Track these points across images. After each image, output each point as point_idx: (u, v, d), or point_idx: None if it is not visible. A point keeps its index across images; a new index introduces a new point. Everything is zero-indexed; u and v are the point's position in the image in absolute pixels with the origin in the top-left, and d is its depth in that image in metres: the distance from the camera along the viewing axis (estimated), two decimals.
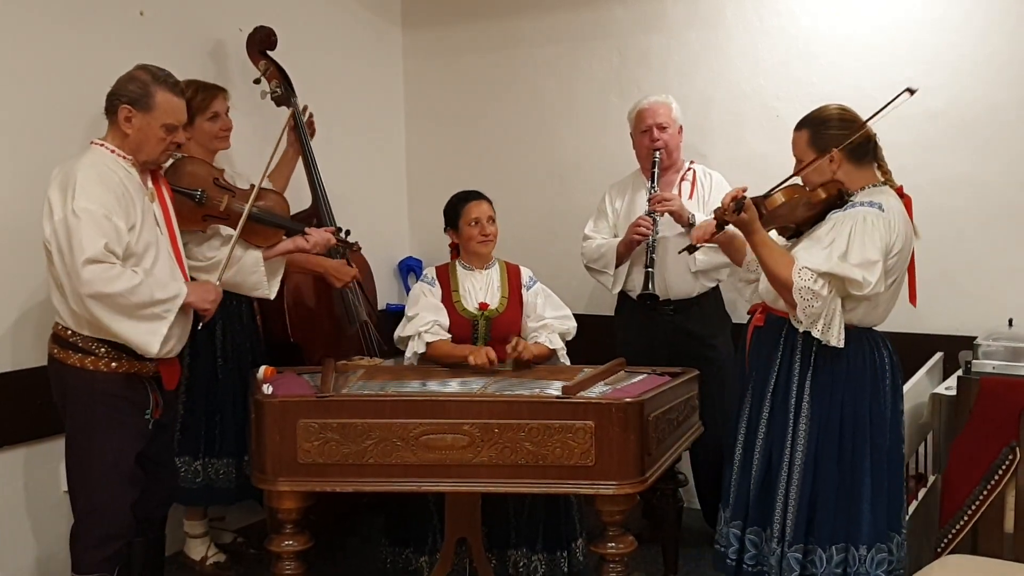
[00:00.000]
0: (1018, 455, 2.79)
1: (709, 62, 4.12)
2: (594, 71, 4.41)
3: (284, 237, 3.29)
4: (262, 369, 2.96)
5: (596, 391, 2.85)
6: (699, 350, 3.61)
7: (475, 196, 3.43)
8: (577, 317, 3.50)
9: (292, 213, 3.48)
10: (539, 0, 4.49)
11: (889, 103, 2.61)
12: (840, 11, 3.83)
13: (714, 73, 4.11)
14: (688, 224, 3.55)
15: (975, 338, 3.12)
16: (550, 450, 2.54)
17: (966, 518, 2.84)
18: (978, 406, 2.88)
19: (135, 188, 2.71)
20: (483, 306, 3.36)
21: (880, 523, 2.65)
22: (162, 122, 2.70)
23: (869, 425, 2.65)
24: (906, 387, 3.09)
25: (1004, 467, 2.80)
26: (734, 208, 2.56)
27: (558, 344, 3.36)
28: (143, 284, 2.59)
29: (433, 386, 2.95)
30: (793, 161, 2.79)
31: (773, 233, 2.75)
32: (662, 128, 3.64)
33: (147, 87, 2.68)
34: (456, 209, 3.42)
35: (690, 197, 3.67)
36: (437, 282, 3.40)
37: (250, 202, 3.03)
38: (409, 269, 4.86)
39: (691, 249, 2.93)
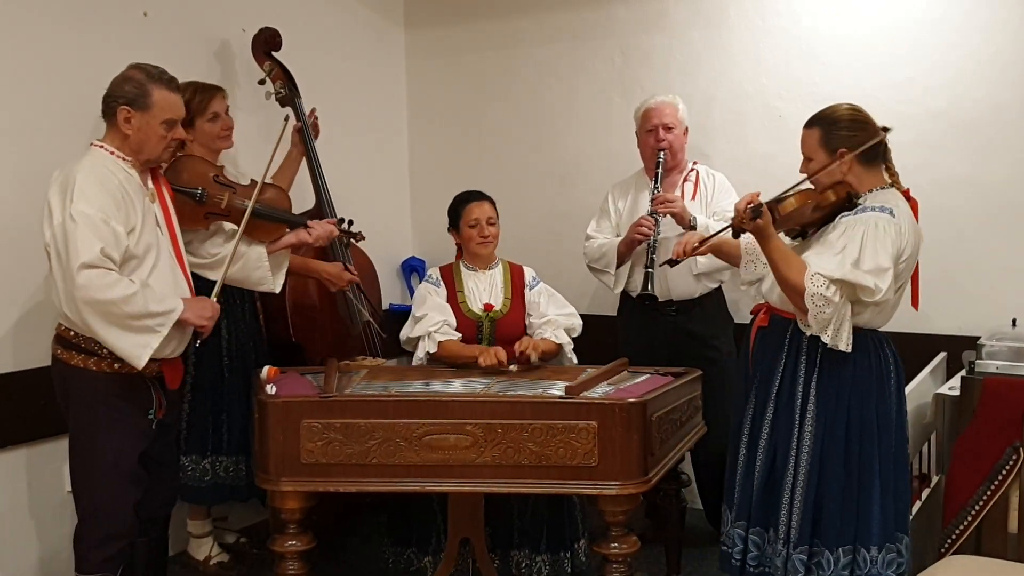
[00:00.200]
0: (1022, 455, 2.79)
1: (711, 62, 4.12)
2: (596, 70, 4.41)
3: (287, 231, 3.30)
4: (265, 369, 2.97)
5: (599, 391, 2.84)
6: (701, 351, 3.60)
7: (476, 197, 3.43)
8: (579, 317, 3.50)
9: (297, 214, 3.48)
10: (541, 0, 4.49)
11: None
12: (841, 11, 3.83)
13: (716, 73, 4.11)
14: (689, 226, 3.55)
15: (978, 338, 3.12)
16: (553, 450, 2.53)
17: (970, 518, 2.84)
18: (981, 406, 2.88)
19: (135, 190, 2.71)
20: (488, 307, 3.36)
21: (889, 524, 2.64)
22: (161, 119, 2.69)
23: (876, 427, 2.65)
24: (909, 387, 3.09)
25: (1008, 467, 2.80)
26: (751, 215, 2.53)
27: (564, 339, 3.34)
28: (138, 294, 2.56)
29: (436, 386, 2.95)
30: (797, 160, 2.78)
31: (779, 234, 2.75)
32: (668, 129, 3.63)
33: (143, 86, 2.67)
34: (457, 210, 3.43)
35: (692, 198, 3.67)
36: (442, 282, 3.41)
37: (253, 198, 3.03)
38: (412, 269, 4.86)
39: (672, 263, 2.94)
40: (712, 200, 3.64)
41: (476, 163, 4.71)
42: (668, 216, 3.55)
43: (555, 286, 3.56)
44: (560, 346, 3.33)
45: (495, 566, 3.10)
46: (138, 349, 2.58)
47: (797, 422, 2.68)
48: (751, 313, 2.95)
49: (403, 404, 2.61)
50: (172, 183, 2.95)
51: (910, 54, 3.70)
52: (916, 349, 3.43)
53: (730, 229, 2.69)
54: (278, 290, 3.29)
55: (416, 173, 4.97)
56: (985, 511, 2.82)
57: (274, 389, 2.72)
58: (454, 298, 3.37)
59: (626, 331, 3.80)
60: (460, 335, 3.29)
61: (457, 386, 2.94)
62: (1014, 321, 3.30)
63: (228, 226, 3.15)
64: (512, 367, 3.15)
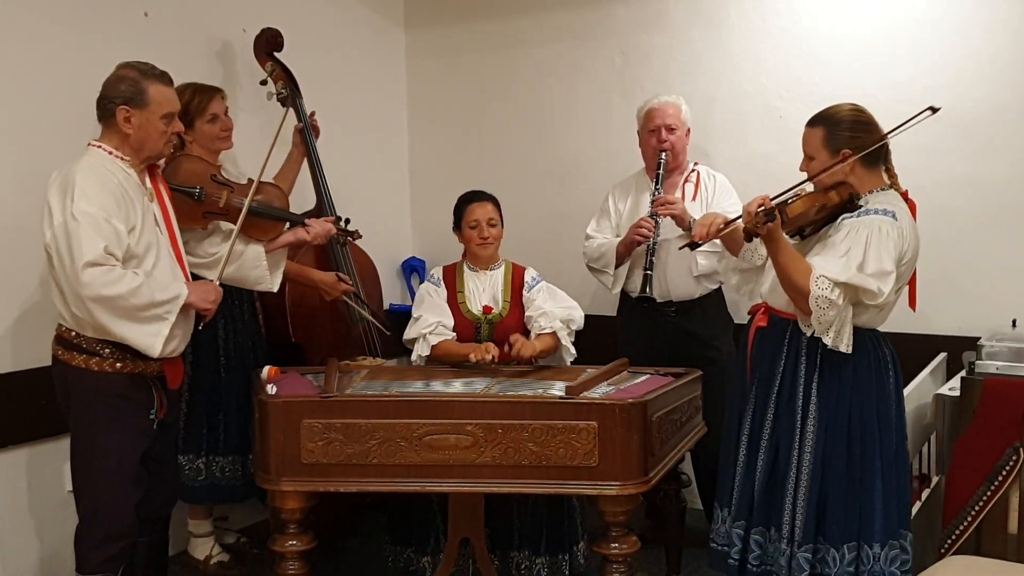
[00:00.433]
0: (1022, 455, 2.78)
1: (711, 62, 4.12)
2: (596, 71, 4.41)
3: (285, 229, 3.29)
4: (266, 369, 2.97)
5: (599, 391, 2.85)
6: (701, 351, 3.60)
7: (478, 198, 3.43)
8: (580, 310, 3.49)
9: (298, 214, 3.48)
10: (541, 0, 4.49)
11: (912, 119, 2.61)
12: (841, 11, 3.83)
13: (716, 73, 4.11)
14: (689, 228, 3.55)
15: (978, 339, 3.12)
16: (553, 450, 2.54)
17: (970, 519, 2.84)
18: (982, 407, 2.88)
19: (134, 189, 2.71)
20: (487, 310, 3.36)
21: (892, 521, 2.66)
22: (160, 114, 2.70)
23: (877, 426, 2.66)
24: (909, 388, 3.10)
25: (1008, 468, 2.80)
26: (765, 219, 2.52)
27: (558, 326, 3.31)
28: (143, 286, 2.59)
29: (437, 386, 2.95)
30: (797, 160, 2.78)
31: None
32: (670, 129, 3.63)
33: (138, 84, 2.67)
34: (460, 210, 3.43)
35: (693, 199, 3.66)
36: (443, 283, 3.41)
37: (249, 195, 3.03)
38: (412, 269, 4.86)
39: (693, 246, 2.83)
40: (713, 201, 3.64)
41: (476, 163, 4.71)
42: (668, 218, 3.55)
43: (555, 285, 3.56)
44: (556, 337, 3.31)
45: (494, 567, 3.10)
46: (150, 338, 2.63)
47: (799, 423, 2.68)
48: (748, 313, 2.95)
49: (403, 404, 2.61)
50: (170, 182, 2.95)
51: (910, 54, 3.70)
52: (916, 349, 3.43)
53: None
54: (276, 289, 3.28)
55: (416, 173, 4.97)
56: (985, 511, 2.82)
57: (275, 389, 2.73)
58: (454, 299, 3.37)
59: (626, 331, 3.80)
60: (455, 335, 3.30)
61: (457, 386, 2.94)
62: (1014, 321, 3.30)
63: (226, 226, 3.15)
64: (526, 351, 3.14)
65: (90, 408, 2.68)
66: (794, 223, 2.66)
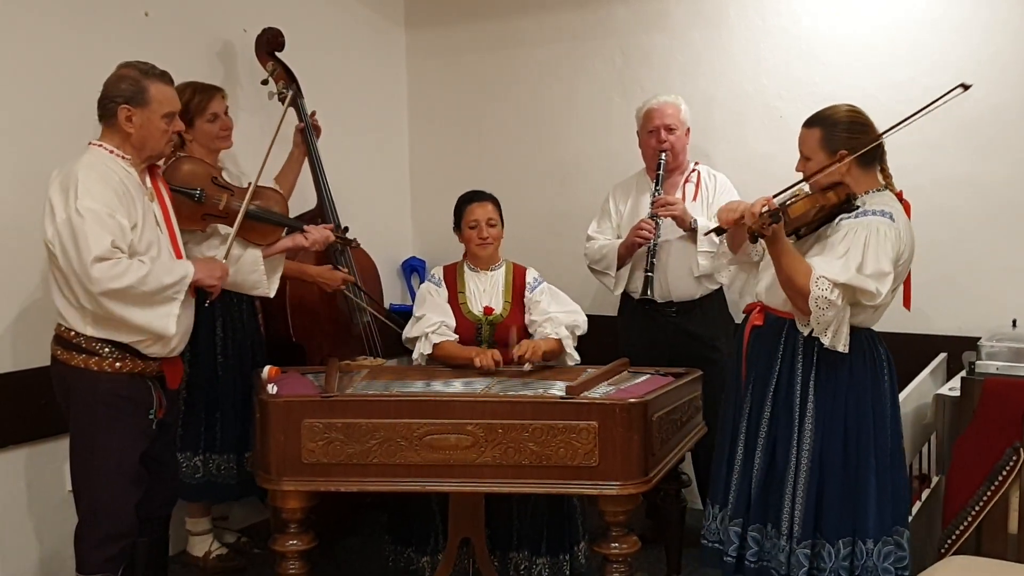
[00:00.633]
0: (1022, 455, 2.79)
1: (711, 62, 4.12)
2: (597, 71, 4.41)
3: (283, 234, 3.29)
4: (266, 369, 2.97)
5: (600, 391, 2.85)
6: (701, 351, 3.60)
7: (478, 198, 3.42)
8: (584, 315, 3.49)
9: (298, 214, 3.48)
10: (541, 0, 4.49)
11: (942, 96, 2.61)
12: (841, 11, 3.83)
13: (716, 73, 4.11)
14: (690, 228, 3.55)
15: (978, 339, 3.12)
16: (554, 450, 2.54)
17: (970, 519, 2.84)
18: (982, 407, 2.88)
19: (135, 187, 2.71)
20: (488, 310, 3.36)
21: (886, 518, 2.66)
22: (161, 113, 2.70)
23: (872, 424, 2.67)
24: (909, 388, 3.10)
25: (1008, 468, 2.80)
26: (771, 220, 2.52)
27: (563, 334, 3.31)
28: (151, 273, 2.60)
29: (437, 386, 2.95)
30: (796, 159, 2.78)
31: None
32: (670, 130, 3.63)
33: (139, 83, 2.68)
34: (460, 210, 3.42)
35: (694, 199, 3.67)
36: (444, 283, 3.40)
37: (246, 200, 3.03)
38: (412, 269, 4.86)
39: (719, 232, 2.84)
40: (713, 201, 3.63)
41: (476, 163, 4.71)
42: (668, 219, 3.55)
43: (556, 286, 3.55)
44: (561, 343, 3.32)
45: (494, 567, 3.10)
46: (163, 319, 2.65)
47: (796, 421, 2.69)
48: (744, 312, 2.95)
49: (404, 404, 2.61)
50: (170, 183, 2.95)
51: (910, 54, 3.71)
52: (916, 349, 3.44)
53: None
54: (272, 294, 3.28)
55: (416, 173, 4.97)
56: (985, 511, 2.82)
57: (275, 389, 2.73)
58: (455, 299, 3.36)
59: (627, 331, 3.80)
60: (457, 336, 3.29)
61: (458, 386, 2.94)
62: (1014, 322, 3.30)
63: (224, 229, 3.14)
64: (527, 366, 3.13)
65: (90, 408, 2.68)
66: (794, 224, 2.66)
